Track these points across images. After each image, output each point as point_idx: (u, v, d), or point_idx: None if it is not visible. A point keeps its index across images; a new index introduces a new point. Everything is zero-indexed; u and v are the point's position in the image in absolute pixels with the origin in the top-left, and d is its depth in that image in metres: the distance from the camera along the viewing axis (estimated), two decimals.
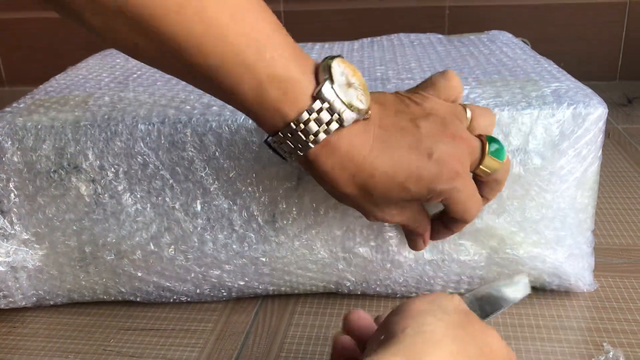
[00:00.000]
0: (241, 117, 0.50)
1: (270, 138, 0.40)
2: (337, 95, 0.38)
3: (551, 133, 0.50)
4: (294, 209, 0.52)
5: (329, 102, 0.37)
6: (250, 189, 0.52)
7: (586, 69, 1.33)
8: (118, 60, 0.72)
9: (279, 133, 0.39)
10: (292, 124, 0.38)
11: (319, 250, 0.54)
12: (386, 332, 0.32)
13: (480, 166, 0.43)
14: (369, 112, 0.40)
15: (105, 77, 0.64)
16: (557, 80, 0.55)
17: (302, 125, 0.38)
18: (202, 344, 0.53)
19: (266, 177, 0.51)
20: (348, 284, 0.56)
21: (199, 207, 0.52)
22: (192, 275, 0.55)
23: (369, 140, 0.40)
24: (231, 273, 0.55)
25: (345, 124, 0.38)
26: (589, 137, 0.50)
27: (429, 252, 0.54)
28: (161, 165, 0.51)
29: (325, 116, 0.38)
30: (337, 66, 0.38)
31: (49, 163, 0.52)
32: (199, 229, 0.53)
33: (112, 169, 0.52)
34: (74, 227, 0.54)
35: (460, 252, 0.53)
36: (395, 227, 0.53)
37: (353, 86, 0.39)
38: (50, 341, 0.55)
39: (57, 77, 0.66)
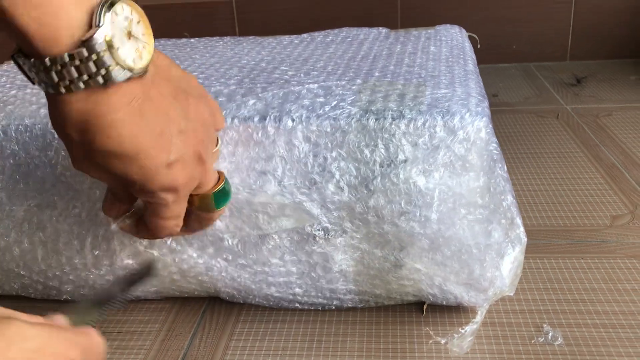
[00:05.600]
0: None
1: (15, 54, 0.34)
2: (110, 48, 0.33)
3: (420, 146, 0.46)
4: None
5: (97, 54, 0.32)
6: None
7: (537, 50, 1.35)
8: None
9: (30, 59, 0.33)
10: (47, 60, 0.32)
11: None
12: None
13: (200, 199, 0.43)
14: (147, 71, 0.35)
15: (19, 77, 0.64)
16: (450, 87, 0.52)
17: (58, 67, 0.33)
18: (149, 346, 0.53)
19: None
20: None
21: (69, 208, 0.52)
22: (71, 277, 0.55)
23: (126, 103, 0.35)
24: (100, 277, 0.54)
25: (113, 82, 0.33)
26: (465, 151, 0.46)
27: None
28: (32, 165, 0.51)
29: (90, 67, 0.33)
30: (121, 9, 0.34)
31: None
32: (66, 229, 0.53)
33: None
34: None
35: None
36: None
37: (134, 37, 0.34)
38: None
39: None
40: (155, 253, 0.52)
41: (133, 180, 0.38)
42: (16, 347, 0.27)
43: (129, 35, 0.34)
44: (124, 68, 0.33)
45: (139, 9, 0.35)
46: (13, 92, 0.58)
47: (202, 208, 0.44)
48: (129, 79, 0.34)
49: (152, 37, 0.36)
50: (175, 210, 0.41)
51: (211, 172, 0.42)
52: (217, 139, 0.45)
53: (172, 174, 0.38)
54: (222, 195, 0.44)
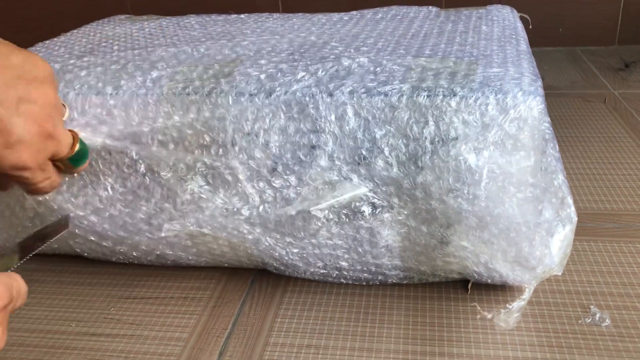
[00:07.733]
0: None
1: None
2: None
3: (471, 124, 0.46)
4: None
5: None
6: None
7: (585, 34, 1.32)
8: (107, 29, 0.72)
9: None
10: None
11: None
12: None
13: (60, 164, 0.45)
14: None
15: (76, 47, 0.67)
16: (503, 66, 0.52)
17: None
18: (200, 311, 0.54)
19: None
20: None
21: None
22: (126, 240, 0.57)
23: None
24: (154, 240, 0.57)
25: None
26: (517, 130, 0.46)
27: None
28: None
29: None
30: None
31: None
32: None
33: None
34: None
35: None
36: None
37: None
38: (52, 310, 0.56)
39: (44, 42, 0.69)
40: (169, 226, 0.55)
41: None
42: None
43: None
44: None
45: None
46: (72, 61, 0.60)
47: (66, 171, 0.46)
48: None
49: None
50: (39, 177, 0.43)
51: (63, 139, 0.44)
52: (64, 106, 0.46)
53: (16, 154, 0.40)
54: (77, 157, 0.46)
